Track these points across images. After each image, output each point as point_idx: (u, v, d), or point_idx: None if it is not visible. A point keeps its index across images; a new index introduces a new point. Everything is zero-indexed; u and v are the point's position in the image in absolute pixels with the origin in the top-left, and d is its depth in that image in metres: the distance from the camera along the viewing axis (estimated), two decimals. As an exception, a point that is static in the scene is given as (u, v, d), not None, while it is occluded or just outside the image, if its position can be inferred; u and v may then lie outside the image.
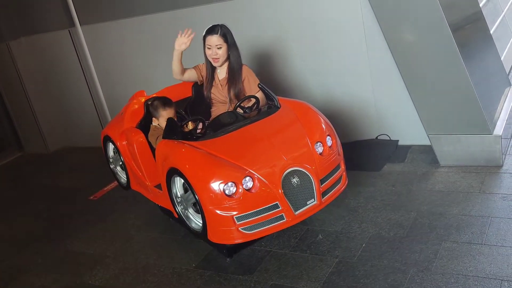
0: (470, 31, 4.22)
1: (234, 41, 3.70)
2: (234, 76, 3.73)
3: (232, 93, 3.73)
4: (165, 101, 3.73)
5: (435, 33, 3.65)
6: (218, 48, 3.64)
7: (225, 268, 3.32)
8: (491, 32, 4.65)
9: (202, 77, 3.87)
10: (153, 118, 3.78)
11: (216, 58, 3.68)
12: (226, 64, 3.77)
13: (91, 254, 3.89)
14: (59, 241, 4.20)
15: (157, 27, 5.28)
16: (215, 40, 3.62)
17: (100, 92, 6.03)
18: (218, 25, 3.66)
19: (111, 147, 4.27)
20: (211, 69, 3.81)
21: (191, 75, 3.86)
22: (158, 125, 3.75)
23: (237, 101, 3.65)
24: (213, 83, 3.81)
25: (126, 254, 3.77)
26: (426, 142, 4.07)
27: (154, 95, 4.01)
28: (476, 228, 3.15)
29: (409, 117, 4.20)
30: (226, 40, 3.64)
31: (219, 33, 3.61)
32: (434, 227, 3.25)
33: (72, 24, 5.76)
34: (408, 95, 3.95)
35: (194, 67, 3.89)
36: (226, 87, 3.77)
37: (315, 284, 2.97)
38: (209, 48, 3.67)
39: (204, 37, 3.68)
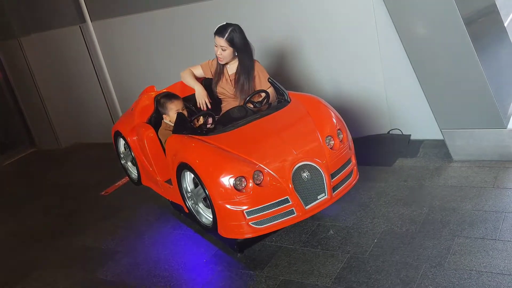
0: (484, 24, 4.16)
1: (244, 43, 3.67)
2: (244, 75, 3.71)
3: (240, 89, 3.71)
4: (170, 95, 3.75)
5: (448, 26, 3.60)
6: (223, 50, 3.67)
7: (236, 263, 3.31)
8: (505, 25, 4.58)
9: (212, 73, 3.87)
10: (164, 115, 3.77)
11: (220, 58, 3.72)
12: (236, 61, 3.75)
13: (103, 249, 3.90)
14: (70, 236, 4.23)
15: (169, 22, 5.28)
16: (221, 41, 3.64)
17: (111, 87, 6.05)
18: (229, 26, 3.62)
19: (122, 142, 4.27)
20: (221, 64, 3.80)
21: (200, 73, 3.93)
22: (169, 122, 3.73)
23: (246, 96, 3.64)
24: (222, 78, 3.81)
25: (138, 250, 3.78)
26: (439, 136, 4.03)
27: (164, 90, 4.01)
28: (490, 223, 3.11)
29: (421, 111, 4.16)
30: (231, 45, 3.64)
31: (225, 37, 3.60)
32: (447, 222, 3.22)
33: (83, 20, 5.78)
34: (420, 89, 3.91)
35: (202, 65, 3.90)
36: (234, 82, 3.75)
37: (326, 280, 2.95)
38: (215, 46, 3.70)
39: (214, 35, 3.68)
